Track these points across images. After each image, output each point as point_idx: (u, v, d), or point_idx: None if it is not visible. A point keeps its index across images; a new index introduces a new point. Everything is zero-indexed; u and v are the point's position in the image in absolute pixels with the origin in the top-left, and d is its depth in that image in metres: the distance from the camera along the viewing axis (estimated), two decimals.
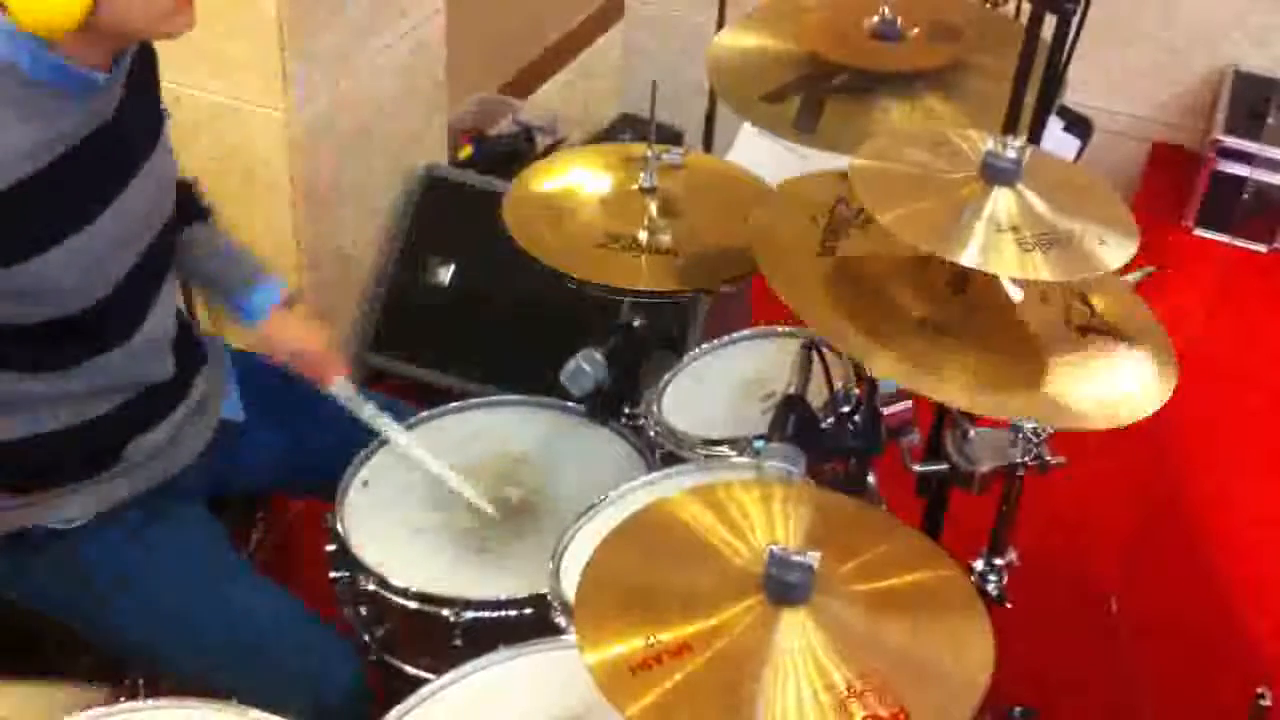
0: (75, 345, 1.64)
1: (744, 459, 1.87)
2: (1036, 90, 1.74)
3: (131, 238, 1.67)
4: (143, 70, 1.70)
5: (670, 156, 1.91)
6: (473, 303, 2.83)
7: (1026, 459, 1.69)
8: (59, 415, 1.68)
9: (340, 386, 1.93)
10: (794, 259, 1.59)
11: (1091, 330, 1.56)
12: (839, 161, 1.58)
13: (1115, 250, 1.45)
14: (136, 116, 1.67)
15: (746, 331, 2.17)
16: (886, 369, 1.50)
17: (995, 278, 1.53)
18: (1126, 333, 1.57)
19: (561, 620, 1.64)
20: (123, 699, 1.54)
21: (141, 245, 1.69)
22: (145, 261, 1.69)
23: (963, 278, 1.55)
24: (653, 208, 1.89)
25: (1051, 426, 1.65)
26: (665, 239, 1.85)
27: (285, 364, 1.94)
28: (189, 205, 1.91)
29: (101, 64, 1.55)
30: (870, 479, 1.85)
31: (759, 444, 1.71)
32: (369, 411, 1.91)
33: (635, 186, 1.91)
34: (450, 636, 1.71)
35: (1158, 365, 1.55)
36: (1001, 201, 1.47)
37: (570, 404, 2.00)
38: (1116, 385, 1.52)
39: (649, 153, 1.88)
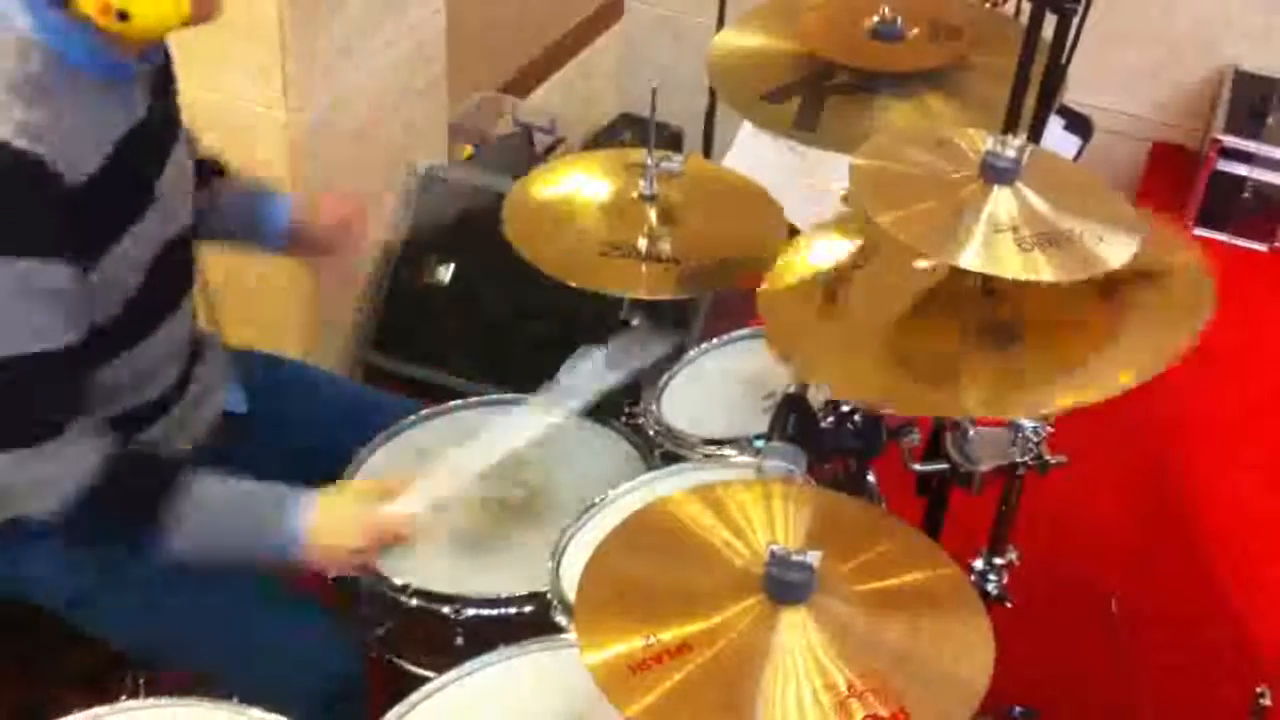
0: (116, 337, 1.65)
1: (744, 459, 1.87)
2: (1036, 90, 1.74)
3: (167, 228, 1.70)
4: (164, 71, 1.72)
5: (670, 164, 1.91)
6: (473, 303, 2.83)
7: (1026, 459, 1.69)
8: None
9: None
10: (798, 327, 1.58)
11: (1116, 283, 1.54)
12: (839, 161, 1.58)
13: (1115, 248, 1.45)
14: (162, 112, 1.70)
15: (746, 331, 2.17)
16: (937, 406, 1.50)
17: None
18: (1152, 271, 1.55)
19: (562, 619, 1.64)
20: (123, 698, 1.54)
21: (172, 236, 1.72)
22: (169, 259, 1.71)
23: (990, 281, 1.54)
24: (652, 215, 1.89)
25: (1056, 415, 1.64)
26: (665, 247, 1.85)
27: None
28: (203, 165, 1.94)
29: (134, 56, 1.58)
30: (870, 479, 1.85)
31: (759, 444, 1.71)
32: None
33: (635, 194, 1.90)
34: (451, 635, 1.71)
35: (1192, 291, 1.53)
36: (1001, 201, 1.47)
37: None
38: (1158, 327, 1.50)
39: (648, 160, 1.88)
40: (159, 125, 1.67)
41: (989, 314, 1.54)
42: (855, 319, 1.57)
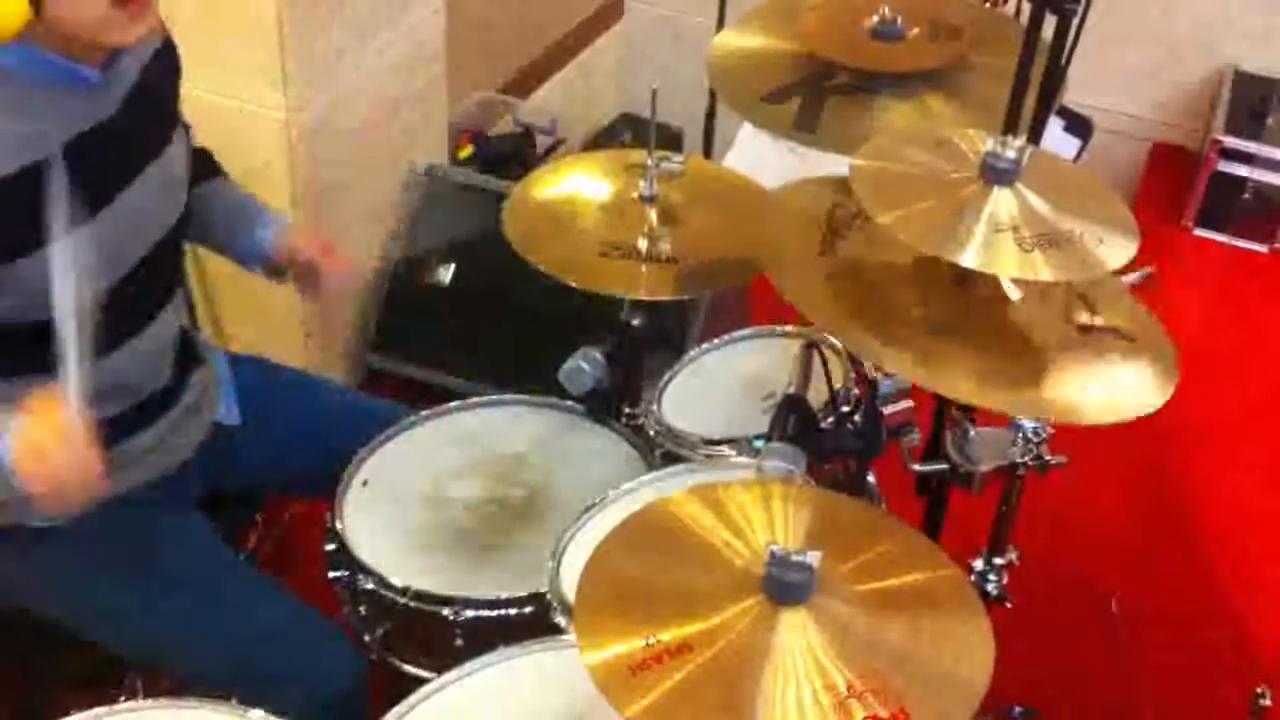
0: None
1: (744, 459, 1.87)
2: (1036, 90, 1.74)
3: (133, 240, 1.67)
4: (161, 73, 1.71)
5: (670, 165, 1.91)
6: (473, 303, 2.83)
7: (1026, 459, 1.69)
8: None
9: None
10: (796, 261, 1.58)
11: (1093, 330, 1.56)
12: (840, 161, 1.58)
13: (1115, 250, 1.45)
14: (145, 118, 1.66)
15: (746, 331, 2.17)
16: (893, 365, 1.50)
17: (995, 276, 1.53)
18: (1128, 333, 1.57)
19: (561, 620, 1.64)
20: (123, 699, 1.54)
21: (144, 248, 1.69)
22: (148, 265, 1.69)
23: (963, 274, 1.55)
24: (652, 216, 1.89)
25: (1052, 422, 1.66)
26: (665, 247, 1.85)
27: (304, 270, 1.91)
28: (205, 165, 1.92)
29: (96, 62, 1.55)
30: (870, 479, 1.85)
31: (759, 444, 1.71)
32: None
33: (635, 195, 1.90)
34: (450, 636, 1.71)
35: (1159, 364, 1.54)
36: (1001, 202, 1.47)
37: (570, 404, 2.01)
38: (1119, 382, 1.51)
39: (648, 161, 1.88)
40: (131, 132, 1.63)
41: (955, 301, 1.55)
42: (848, 270, 1.57)
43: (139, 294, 1.69)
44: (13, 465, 1.49)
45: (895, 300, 1.55)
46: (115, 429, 1.72)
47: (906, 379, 1.54)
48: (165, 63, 1.73)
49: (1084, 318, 1.57)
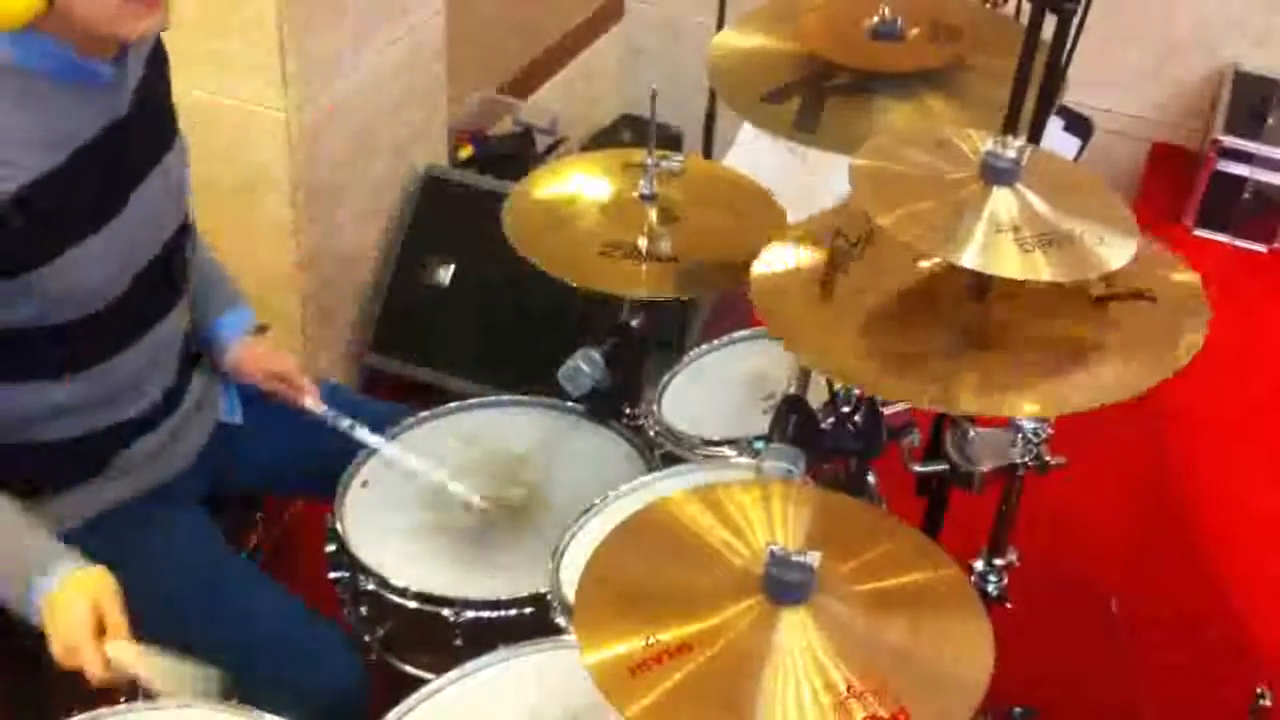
0: (85, 349, 1.63)
1: (744, 459, 1.87)
2: (1036, 90, 1.74)
3: (146, 237, 1.67)
4: (156, 71, 1.70)
5: (670, 164, 1.91)
6: (473, 303, 2.83)
7: (1026, 459, 1.69)
8: (56, 427, 1.67)
9: (313, 404, 1.93)
10: (799, 315, 1.57)
11: (1112, 299, 1.54)
12: (839, 161, 1.58)
13: (1115, 250, 1.45)
14: (151, 116, 1.67)
15: (746, 331, 2.17)
16: (923, 402, 1.49)
17: (1013, 280, 1.51)
18: (1147, 292, 1.55)
19: (561, 620, 1.64)
20: (123, 699, 1.54)
21: (155, 247, 1.69)
22: (158, 264, 1.69)
23: (982, 285, 1.54)
24: (652, 215, 1.89)
25: (1049, 422, 1.65)
26: (665, 246, 1.85)
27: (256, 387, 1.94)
28: None
29: (107, 58, 1.54)
30: (870, 479, 1.85)
31: (759, 444, 1.71)
32: (346, 424, 1.91)
33: (635, 194, 1.90)
34: (450, 636, 1.71)
35: (1187, 308, 1.52)
36: (1001, 202, 1.47)
37: (570, 404, 2.01)
38: (1155, 340, 1.49)
39: (648, 160, 1.88)
40: (141, 131, 1.63)
41: (976, 318, 1.54)
42: (849, 308, 1.57)
43: (150, 294, 1.70)
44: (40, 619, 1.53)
45: (911, 329, 1.54)
46: (123, 433, 1.73)
47: (934, 407, 1.52)
48: (160, 62, 1.73)
49: (1100, 289, 1.55)
